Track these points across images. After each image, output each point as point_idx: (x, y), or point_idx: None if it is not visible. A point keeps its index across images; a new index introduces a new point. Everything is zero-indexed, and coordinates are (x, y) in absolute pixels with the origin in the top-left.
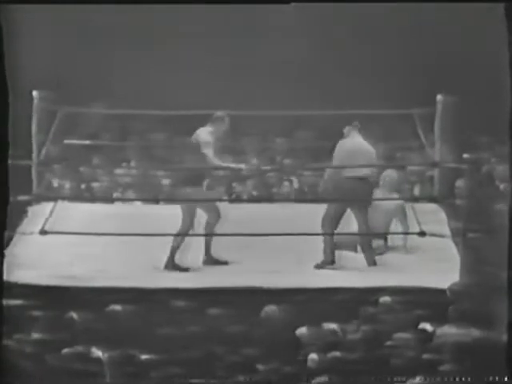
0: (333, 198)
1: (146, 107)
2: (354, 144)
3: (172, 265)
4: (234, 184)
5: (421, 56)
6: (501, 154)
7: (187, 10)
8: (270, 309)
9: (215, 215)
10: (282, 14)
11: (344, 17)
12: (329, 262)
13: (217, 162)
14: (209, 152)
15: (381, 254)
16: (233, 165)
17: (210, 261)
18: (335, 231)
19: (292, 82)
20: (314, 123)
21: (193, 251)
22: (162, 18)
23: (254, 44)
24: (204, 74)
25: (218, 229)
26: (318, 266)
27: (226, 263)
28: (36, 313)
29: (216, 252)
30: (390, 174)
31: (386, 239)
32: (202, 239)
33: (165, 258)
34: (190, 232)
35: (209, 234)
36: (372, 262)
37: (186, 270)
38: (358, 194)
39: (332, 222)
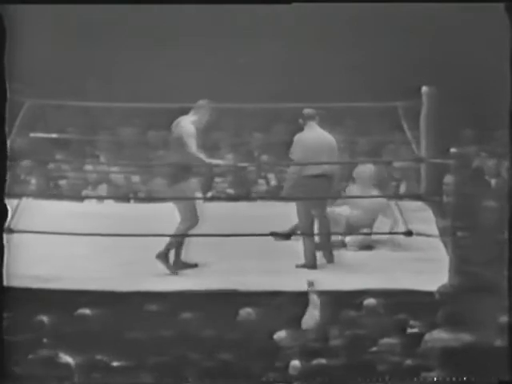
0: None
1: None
2: (315, 137)
3: (180, 263)
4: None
5: (412, 51)
6: (490, 149)
7: (187, 10)
8: (246, 312)
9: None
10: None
11: (339, 15)
12: (310, 266)
13: (198, 154)
14: (192, 143)
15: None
16: (216, 160)
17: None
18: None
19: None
20: (294, 117)
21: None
22: (162, 18)
23: (254, 44)
24: (203, 73)
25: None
26: (299, 267)
27: (195, 266)
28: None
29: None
30: (364, 169)
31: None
32: None
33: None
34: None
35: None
36: (330, 260)
37: (195, 266)
38: (317, 193)
39: (308, 219)
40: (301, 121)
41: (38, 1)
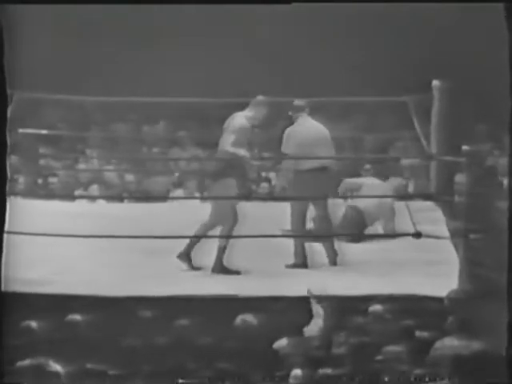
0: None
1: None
2: (308, 129)
3: (221, 268)
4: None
5: (412, 51)
6: (504, 146)
7: (187, 10)
8: (246, 318)
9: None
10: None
11: (339, 15)
12: (300, 264)
13: (231, 150)
14: (230, 138)
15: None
16: (243, 152)
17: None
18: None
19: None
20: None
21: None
22: (162, 18)
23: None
24: (203, 73)
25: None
26: (289, 267)
27: (238, 273)
28: None
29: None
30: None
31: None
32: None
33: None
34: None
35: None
36: (333, 262)
37: (237, 273)
38: (319, 187)
39: (300, 219)
40: (291, 113)
41: (37, 1)
